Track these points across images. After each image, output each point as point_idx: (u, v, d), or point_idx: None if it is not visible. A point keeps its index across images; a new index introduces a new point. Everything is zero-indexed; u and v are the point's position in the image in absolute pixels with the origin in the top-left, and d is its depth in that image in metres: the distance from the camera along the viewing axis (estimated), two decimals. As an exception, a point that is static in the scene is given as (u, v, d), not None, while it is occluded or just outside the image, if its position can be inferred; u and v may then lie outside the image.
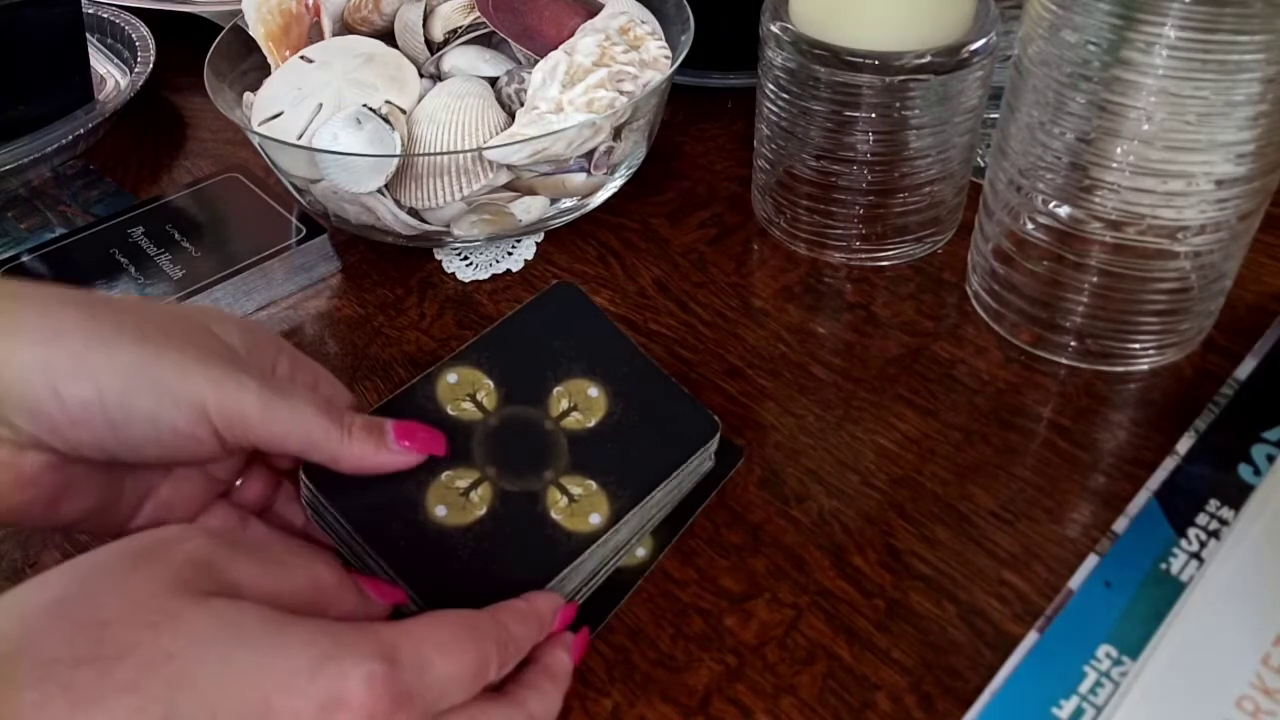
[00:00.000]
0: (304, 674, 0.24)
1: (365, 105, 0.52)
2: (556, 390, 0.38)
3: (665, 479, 0.38)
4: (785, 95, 0.51)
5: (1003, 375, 0.47)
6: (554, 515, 0.36)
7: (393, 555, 0.34)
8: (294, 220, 0.56)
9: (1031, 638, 0.36)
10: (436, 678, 0.27)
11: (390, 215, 0.53)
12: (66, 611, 0.24)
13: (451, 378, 0.38)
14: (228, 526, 0.36)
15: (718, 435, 0.40)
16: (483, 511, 0.35)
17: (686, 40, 0.57)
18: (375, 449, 0.33)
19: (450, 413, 0.37)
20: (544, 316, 0.41)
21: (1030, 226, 0.45)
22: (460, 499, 0.35)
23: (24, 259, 0.53)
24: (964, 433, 0.45)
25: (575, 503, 0.36)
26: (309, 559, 0.29)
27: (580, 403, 0.38)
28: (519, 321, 0.41)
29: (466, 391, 0.38)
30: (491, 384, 0.38)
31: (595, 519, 0.36)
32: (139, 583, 0.24)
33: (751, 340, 0.50)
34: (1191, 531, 0.39)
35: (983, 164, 0.56)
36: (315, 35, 0.59)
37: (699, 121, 0.66)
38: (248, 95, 0.57)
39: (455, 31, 0.58)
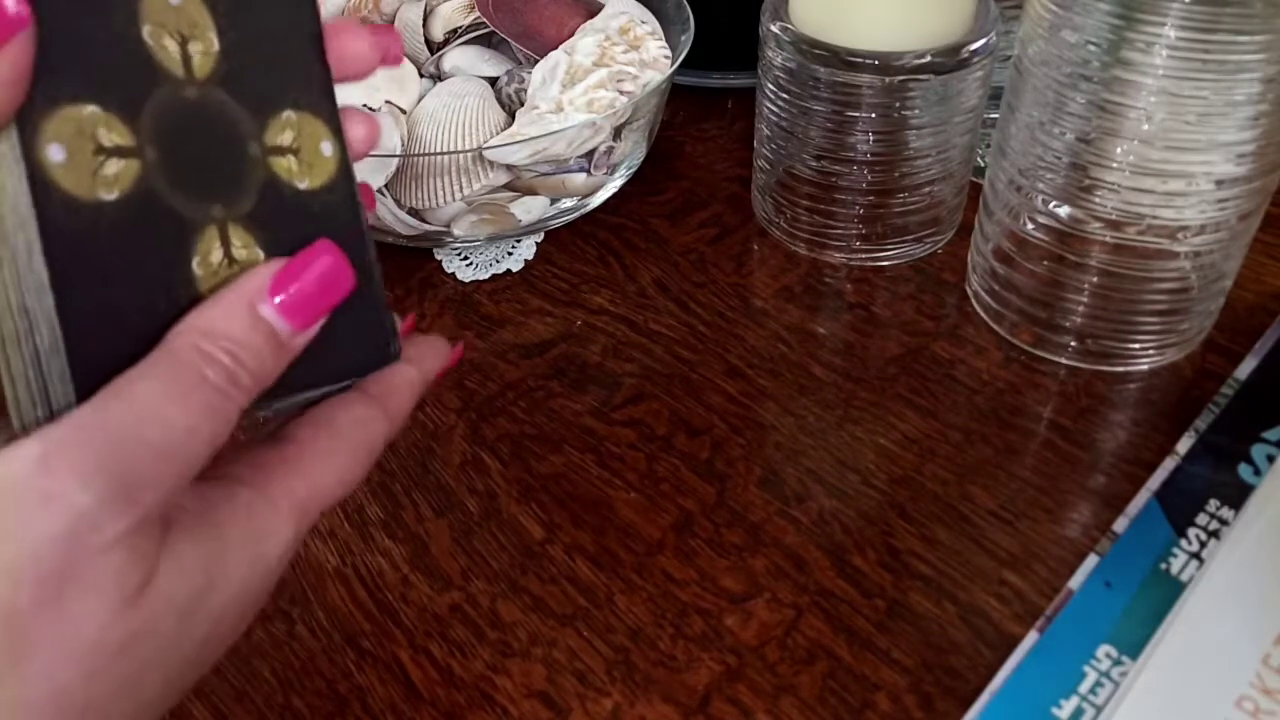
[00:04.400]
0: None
1: (365, 105, 0.52)
2: (147, 33, 0.24)
3: (319, 44, 0.27)
4: (785, 95, 0.51)
5: (1003, 375, 0.47)
6: (299, 185, 0.27)
7: None
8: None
9: (1031, 638, 0.36)
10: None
11: (390, 215, 0.53)
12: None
13: (55, 155, 0.22)
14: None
15: None
16: (261, 256, 0.25)
17: (686, 40, 0.57)
18: None
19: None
20: None
21: (1030, 226, 0.45)
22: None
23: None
24: (964, 433, 0.45)
25: (298, 152, 0.27)
26: (206, 420, 0.22)
27: (180, 26, 0.25)
28: None
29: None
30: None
31: (327, 148, 0.27)
32: (83, 635, 0.20)
33: (751, 340, 0.50)
34: (1191, 531, 0.39)
35: (983, 164, 0.56)
36: (315, 35, 0.59)
37: (699, 121, 0.66)
38: (248, 95, 0.57)
39: (455, 31, 0.58)
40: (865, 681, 0.36)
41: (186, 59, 0.25)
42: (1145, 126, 0.39)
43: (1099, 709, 0.34)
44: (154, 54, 0.24)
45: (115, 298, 0.23)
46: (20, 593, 0.19)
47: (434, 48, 0.58)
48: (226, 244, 0.25)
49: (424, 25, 0.58)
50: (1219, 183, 0.40)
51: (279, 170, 0.26)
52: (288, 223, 0.26)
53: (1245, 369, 0.46)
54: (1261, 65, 0.37)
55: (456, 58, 0.57)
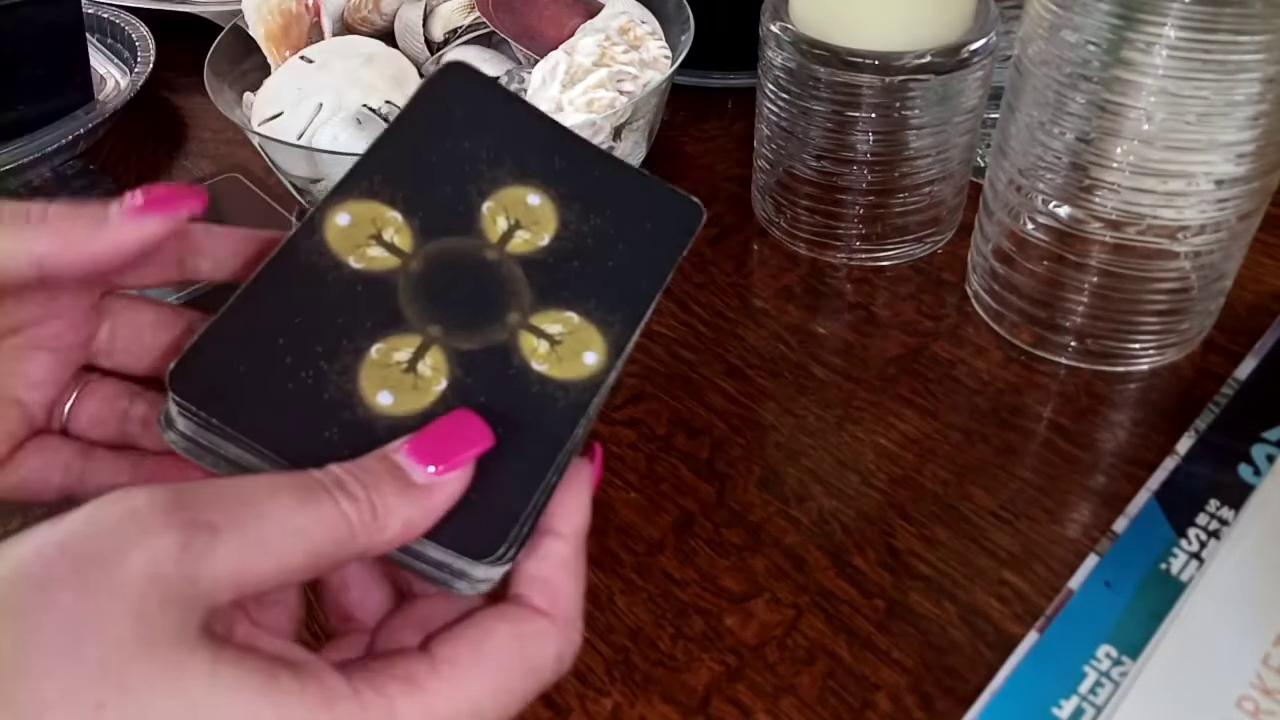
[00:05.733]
0: None
1: (365, 105, 0.52)
2: (487, 207, 0.29)
3: (660, 288, 0.30)
4: (785, 95, 0.51)
5: (1003, 375, 0.47)
6: (536, 366, 0.27)
7: None
8: (294, 220, 0.56)
9: (1031, 638, 0.36)
10: None
11: (390, 215, 0.53)
12: None
13: (342, 219, 0.28)
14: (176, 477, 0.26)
15: (703, 220, 0.31)
16: (441, 386, 0.26)
17: (686, 40, 0.57)
18: (94, 233, 0.26)
19: (355, 265, 0.27)
20: (439, 114, 0.30)
21: (1030, 226, 0.45)
22: (406, 377, 0.26)
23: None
24: (964, 433, 0.45)
25: (559, 344, 0.28)
26: (296, 499, 0.21)
27: (522, 217, 0.29)
28: (409, 125, 0.30)
29: (368, 233, 0.28)
30: (399, 216, 0.28)
31: (591, 358, 0.28)
32: (88, 637, 0.18)
33: (751, 340, 0.50)
34: (1191, 531, 0.39)
35: (983, 164, 0.56)
36: (315, 35, 0.59)
37: (699, 121, 0.66)
38: (248, 95, 0.57)
39: (455, 31, 0.58)
40: (865, 681, 0.36)
41: (507, 236, 0.29)
42: (1145, 126, 0.39)
43: (1099, 709, 0.34)
44: (479, 218, 0.29)
45: (292, 323, 0.26)
46: (56, 562, 0.19)
47: (434, 48, 0.58)
48: (420, 355, 0.26)
49: (424, 25, 0.58)
50: (1219, 183, 0.40)
51: (523, 343, 0.27)
52: (497, 386, 0.27)
53: (1245, 369, 0.46)
54: (1261, 65, 0.37)
55: (456, 58, 0.57)
